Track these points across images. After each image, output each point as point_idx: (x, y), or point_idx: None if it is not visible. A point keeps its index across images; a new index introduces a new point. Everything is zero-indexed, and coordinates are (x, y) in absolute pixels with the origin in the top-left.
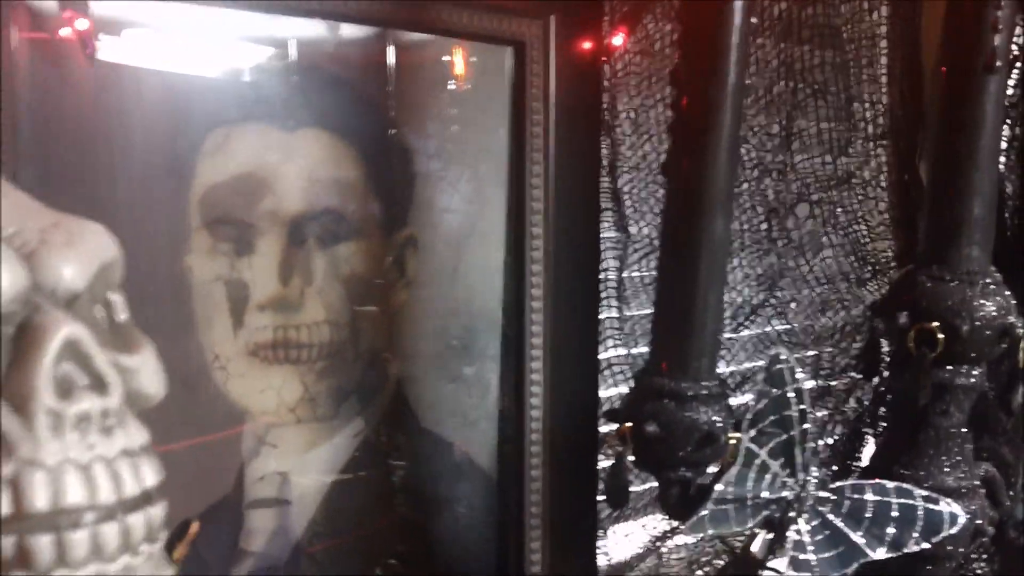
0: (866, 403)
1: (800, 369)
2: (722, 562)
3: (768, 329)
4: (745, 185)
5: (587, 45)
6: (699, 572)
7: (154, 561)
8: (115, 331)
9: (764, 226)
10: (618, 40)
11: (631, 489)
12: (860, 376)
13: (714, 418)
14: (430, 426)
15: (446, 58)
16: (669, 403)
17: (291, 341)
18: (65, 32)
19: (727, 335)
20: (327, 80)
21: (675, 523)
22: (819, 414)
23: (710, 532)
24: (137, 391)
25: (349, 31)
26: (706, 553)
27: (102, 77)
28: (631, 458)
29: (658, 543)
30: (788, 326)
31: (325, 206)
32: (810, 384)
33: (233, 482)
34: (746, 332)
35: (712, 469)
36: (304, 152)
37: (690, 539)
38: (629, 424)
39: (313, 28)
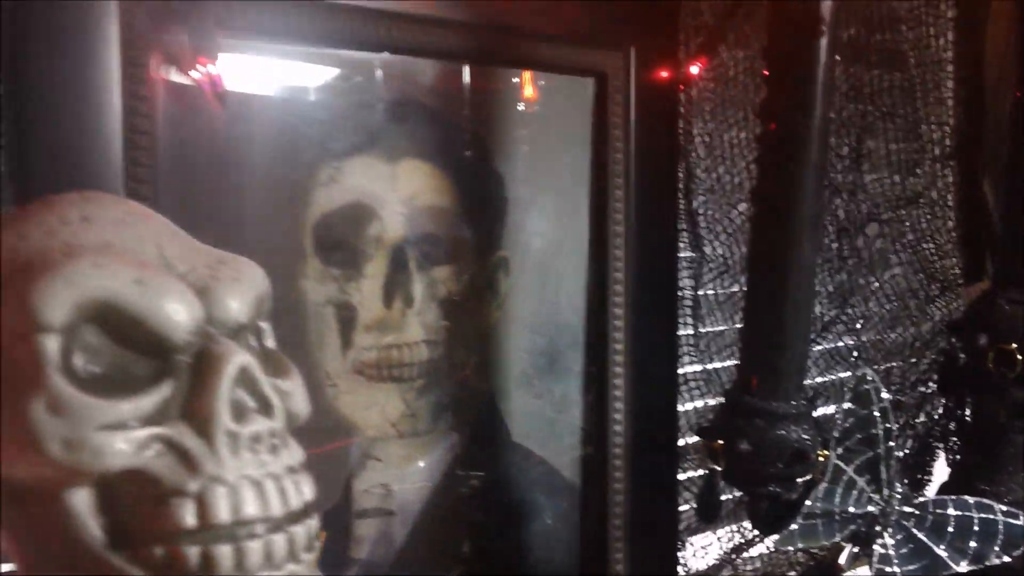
0: (936, 417)
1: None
2: (794, 574)
3: (839, 344)
4: None
5: (664, 74)
6: None
7: (312, 569)
8: (267, 357)
9: (835, 245)
10: (694, 69)
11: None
12: (931, 391)
13: (803, 436)
14: (519, 439)
15: (532, 89)
16: (760, 422)
17: (393, 360)
18: (196, 74)
19: None
20: (426, 113)
21: (749, 535)
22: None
23: (799, 545)
24: (291, 412)
25: (445, 66)
26: (780, 565)
27: (228, 114)
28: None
29: (733, 555)
30: (859, 341)
31: (425, 231)
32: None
33: (341, 493)
34: (818, 348)
35: (800, 484)
36: (406, 181)
37: (764, 551)
38: (721, 441)
39: (413, 63)
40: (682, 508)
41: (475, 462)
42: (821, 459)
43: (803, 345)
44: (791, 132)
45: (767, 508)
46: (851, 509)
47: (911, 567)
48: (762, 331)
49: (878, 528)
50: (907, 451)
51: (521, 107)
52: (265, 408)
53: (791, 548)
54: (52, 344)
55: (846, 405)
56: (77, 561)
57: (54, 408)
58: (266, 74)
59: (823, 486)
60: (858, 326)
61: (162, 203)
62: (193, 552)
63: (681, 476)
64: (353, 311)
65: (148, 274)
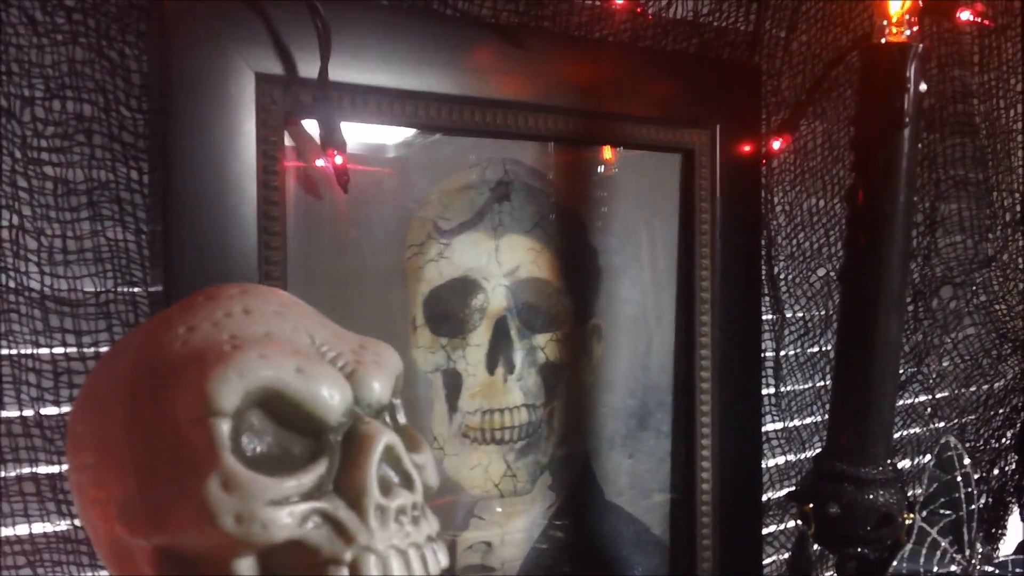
0: (1009, 472)
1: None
2: None
3: (915, 401)
4: None
5: (747, 149)
6: None
7: None
8: (401, 432)
9: (911, 307)
10: (776, 144)
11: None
12: (1004, 447)
13: (890, 500)
14: (612, 497)
15: (626, 165)
16: (849, 486)
17: (496, 424)
18: (322, 162)
19: None
20: (526, 191)
21: None
22: None
23: None
24: (426, 485)
25: (542, 147)
26: None
27: (350, 198)
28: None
29: None
30: (934, 399)
31: (525, 301)
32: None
33: (447, 551)
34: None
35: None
36: (508, 255)
37: None
38: (811, 505)
39: (514, 146)
40: (766, 562)
41: (571, 521)
42: (907, 522)
43: (889, 413)
44: (877, 217)
45: (855, 568)
46: (935, 569)
47: None
48: (850, 400)
49: None
50: (981, 506)
51: (612, 183)
52: (407, 482)
53: None
54: (224, 427)
55: (931, 469)
56: None
57: (227, 486)
58: (384, 158)
59: (908, 547)
60: (932, 384)
61: (291, 283)
62: None
63: (764, 531)
64: (459, 378)
65: (306, 363)
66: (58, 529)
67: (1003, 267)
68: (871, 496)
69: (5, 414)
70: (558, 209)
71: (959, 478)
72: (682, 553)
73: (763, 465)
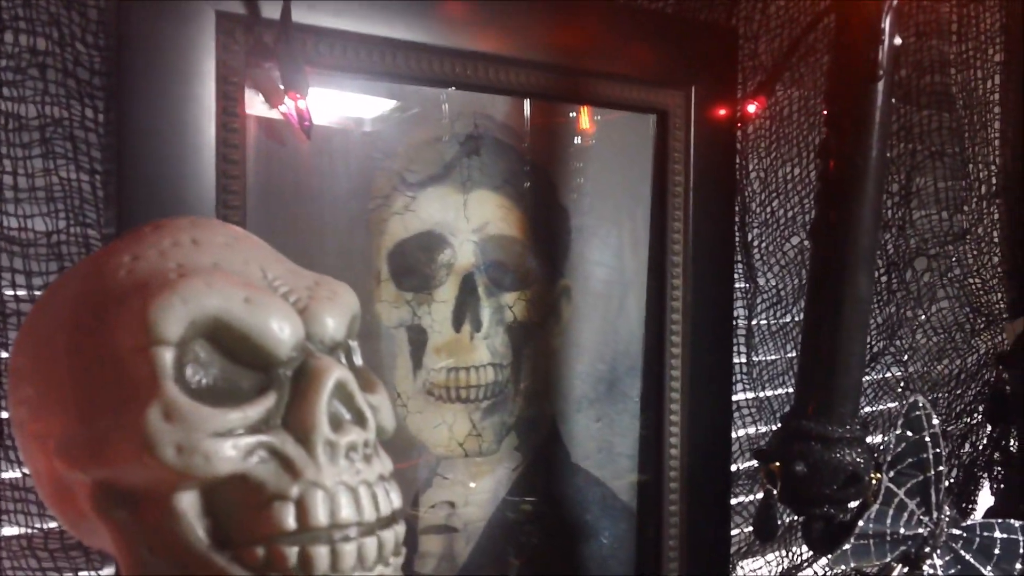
0: (981, 448)
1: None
2: None
3: (888, 375)
4: None
5: (723, 112)
6: None
7: (397, 572)
8: (357, 373)
9: (884, 278)
10: (751, 108)
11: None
12: (976, 422)
13: (857, 459)
14: (579, 461)
15: (598, 125)
16: (816, 445)
17: (461, 382)
18: (285, 108)
19: None
20: (496, 147)
21: (798, 560)
22: None
23: (852, 565)
24: (380, 425)
25: (514, 102)
26: None
27: (313, 146)
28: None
29: None
30: (906, 372)
31: (494, 259)
32: None
33: (409, 509)
34: (866, 378)
35: (853, 506)
36: (476, 211)
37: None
38: (778, 464)
39: (485, 100)
40: (733, 532)
41: (536, 482)
42: (874, 482)
43: (858, 372)
44: (849, 171)
45: (821, 529)
46: (902, 531)
47: None
48: (818, 358)
49: (927, 549)
50: (952, 480)
51: (585, 142)
52: (360, 420)
53: (843, 567)
54: (167, 356)
55: (898, 430)
56: (183, 561)
57: (168, 415)
58: (348, 108)
59: (875, 508)
60: (905, 358)
61: (250, 230)
62: (292, 552)
63: (733, 501)
64: (424, 334)
65: (255, 294)
66: (8, 476)
67: (978, 240)
68: (838, 455)
69: None
70: (529, 167)
71: (927, 438)
72: (649, 520)
73: (733, 435)
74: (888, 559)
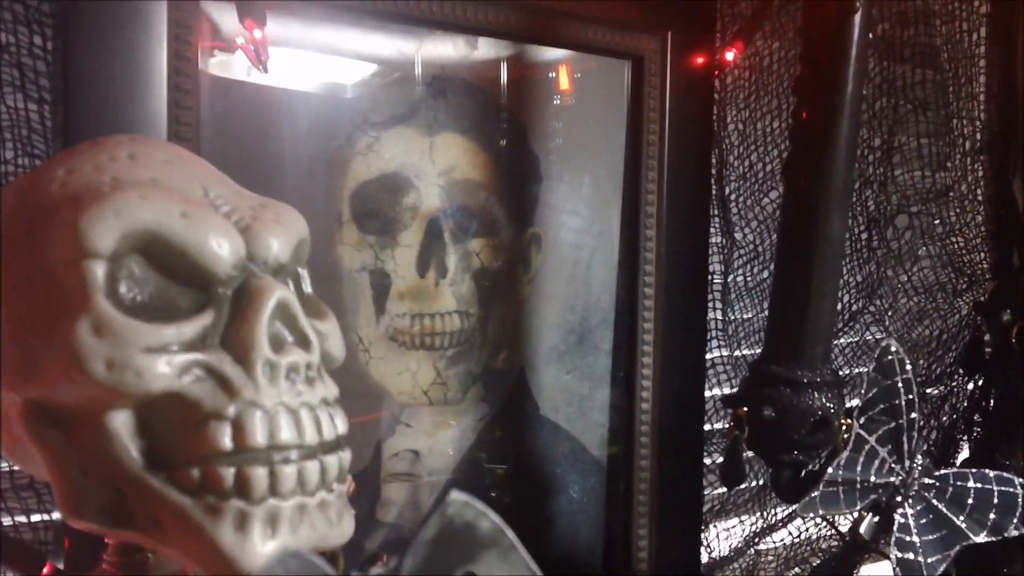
0: (961, 410)
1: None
2: (818, 560)
3: (868, 337)
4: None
5: (700, 60)
6: (795, 570)
7: (342, 499)
8: (305, 300)
9: (864, 236)
10: (729, 56)
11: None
12: (956, 385)
13: (827, 404)
14: (548, 413)
15: (571, 70)
16: (785, 389)
17: (426, 328)
18: (241, 41)
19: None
20: (464, 89)
21: (773, 520)
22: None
23: (820, 512)
24: (327, 352)
25: (484, 44)
26: (802, 551)
27: (271, 82)
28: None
29: (756, 538)
30: (886, 333)
31: (459, 204)
32: None
33: (371, 457)
34: (844, 339)
35: (823, 453)
36: (442, 154)
37: (787, 536)
38: (746, 408)
39: (454, 42)
40: (708, 492)
41: (504, 434)
42: (844, 428)
43: (829, 316)
44: (823, 109)
45: (790, 477)
46: (872, 479)
47: (930, 537)
48: (789, 301)
49: (899, 498)
50: (931, 444)
51: (558, 88)
52: (303, 342)
53: (812, 516)
54: (98, 270)
55: (870, 375)
56: (116, 483)
57: (98, 330)
58: (309, 45)
59: (845, 455)
60: (885, 318)
61: None
62: (228, 474)
63: (707, 460)
64: (387, 278)
65: (193, 209)
66: None
67: (961, 198)
68: (807, 400)
69: None
70: (499, 111)
71: (900, 384)
72: (619, 475)
73: (708, 393)
74: (858, 507)
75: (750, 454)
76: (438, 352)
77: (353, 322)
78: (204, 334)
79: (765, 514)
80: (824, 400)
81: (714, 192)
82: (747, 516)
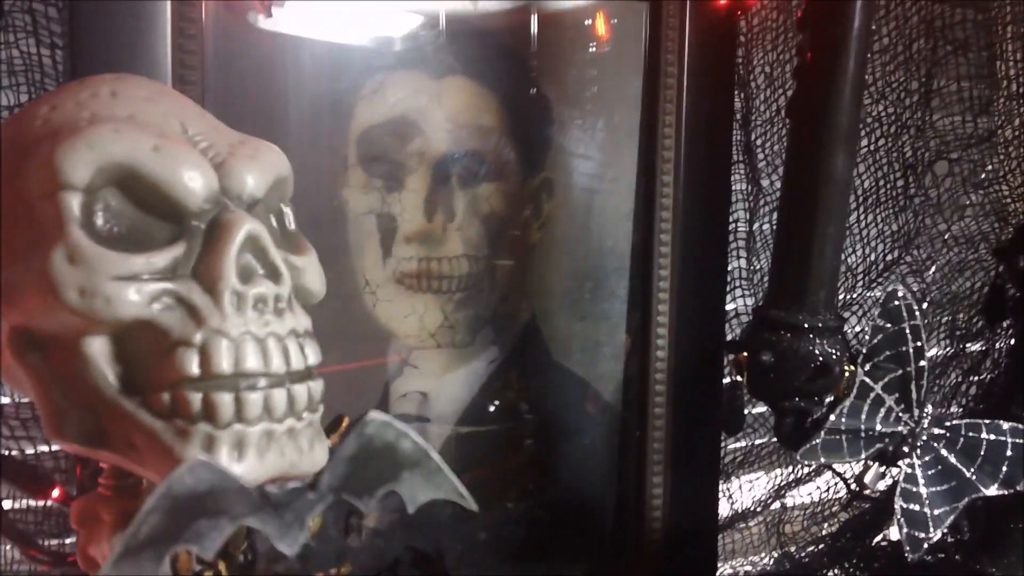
0: (1003, 365)
1: (935, 331)
2: (847, 515)
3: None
4: (882, 141)
5: (722, 1)
6: (825, 526)
7: (314, 428)
8: (286, 236)
9: (900, 183)
10: None
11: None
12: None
13: (828, 350)
14: (560, 359)
15: (585, 12)
16: (785, 334)
17: (433, 272)
18: None
19: (859, 292)
20: (473, 32)
21: (800, 474)
22: (954, 376)
23: (822, 460)
24: (303, 286)
25: None
26: (830, 507)
27: (277, 26)
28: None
29: (782, 492)
30: (924, 285)
31: (467, 148)
32: (942, 347)
33: (379, 398)
34: (879, 291)
35: (827, 400)
36: (450, 98)
37: (815, 491)
38: (745, 353)
39: None
40: (734, 445)
41: (513, 378)
42: (847, 374)
43: (833, 259)
44: (828, 44)
45: (792, 423)
46: (878, 427)
47: (937, 488)
48: (791, 244)
49: (905, 448)
50: (971, 401)
51: (575, 31)
52: (273, 274)
53: (814, 463)
54: (73, 201)
55: (875, 321)
56: (93, 405)
57: (71, 258)
58: None
59: (849, 402)
60: (923, 269)
61: (208, 107)
62: (195, 399)
63: None
64: (394, 222)
65: (166, 143)
66: None
67: (1006, 144)
68: (807, 345)
69: None
70: (509, 54)
71: (907, 330)
72: (633, 423)
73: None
74: (862, 456)
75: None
76: (445, 295)
77: (360, 264)
78: (175, 264)
79: (792, 467)
80: (825, 346)
81: (740, 138)
82: (773, 469)
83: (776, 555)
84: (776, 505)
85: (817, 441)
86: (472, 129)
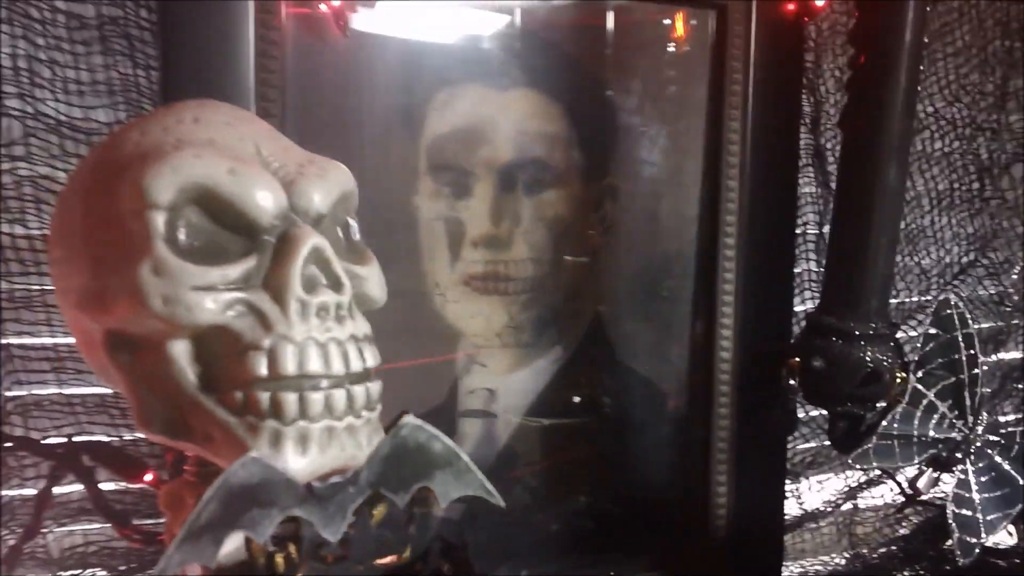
0: None
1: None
2: (918, 518)
3: (980, 292)
4: (956, 144)
5: (789, 7)
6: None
7: (372, 425)
8: (350, 247)
9: (976, 185)
10: (819, 2)
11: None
12: None
13: (879, 357)
14: (624, 359)
15: (657, 18)
16: (836, 341)
17: (499, 275)
18: (323, 6)
19: (933, 295)
20: (538, 44)
21: (871, 476)
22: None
23: (874, 465)
24: (365, 294)
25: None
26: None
27: (352, 43)
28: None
29: (854, 494)
30: (1002, 288)
31: (533, 156)
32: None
33: (448, 392)
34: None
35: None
36: (516, 108)
37: (887, 494)
38: (797, 359)
39: None
40: (803, 446)
41: (578, 377)
42: (899, 381)
43: (886, 268)
44: (880, 56)
45: (845, 428)
46: (931, 433)
47: (991, 494)
48: (844, 253)
49: (959, 455)
50: None
51: (640, 40)
52: (335, 285)
53: (866, 468)
54: (159, 219)
55: (927, 329)
56: (176, 401)
57: (157, 270)
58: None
59: (901, 408)
60: (1001, 272)
61: (289, 125)
62: (264, 397)
63: (800, 413)
64: (461, 227)
65: (241, 166)
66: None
67: None
68: (858, 352)
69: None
70: (574, 64)
71: (960, 339)
72: (697, 424)
73: None
74: (915, 461)
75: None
76: (511, 297)
77: (430, 268)
78: (247, 276)
79: (867, 471)
80: (876, 352)
81: (809, 141)
82: (844, 470)
83: (848, 556)
84: (848, 506)
85: (869, 446)
86: (537, 137)
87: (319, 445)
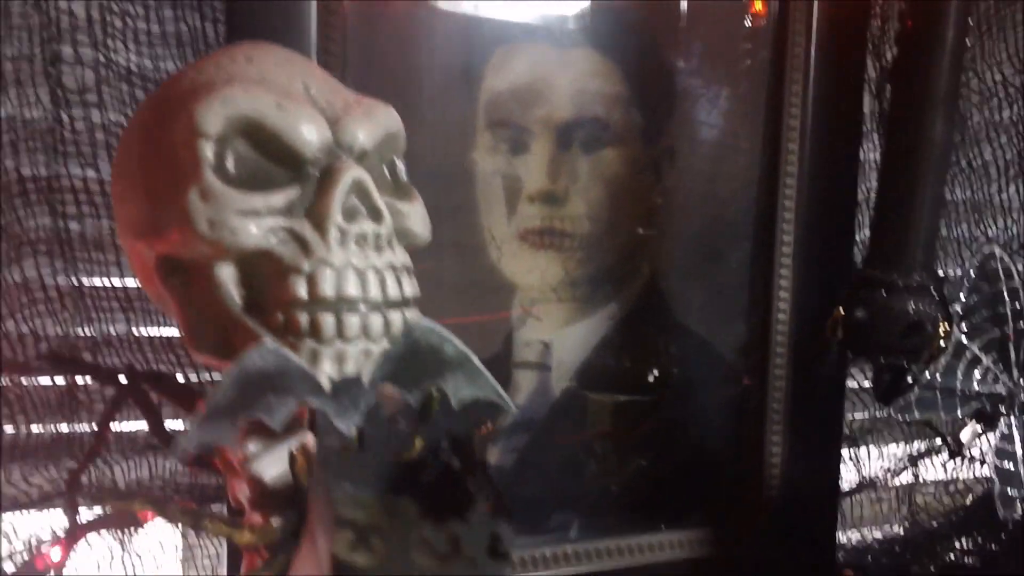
0: None
1: None
2: (982, 488)
3: None
4: None
5: None
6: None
7: None
8: (396, 185)
9: None
10: None
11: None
12: None
13: (923, 308)
14: (680, 318)
15: None
16: (880, 292)
17: (555, 230)
18: None
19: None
20: (599, 3)
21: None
22: None
23: (917, 416)
24: (407, 228)
25: None
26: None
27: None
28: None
29: (915, 462)
30: None
31: (591, 115)
32: None
33: (503, 344)
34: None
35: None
36: (574, 67)
37: (950, 463)
38: (841, 309)
39: None
40: (861, 415)
41: (635, 334)
42: (942, 333)
43: (931, 220)
44: (927, 9)
45: (889, 379)
46: (975, 387)
47: None
48: (889, 206)
49: (1003, 408)
50: None
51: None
52: (375, 215)
53: (908, 418)
54: (208, 148)
55: (971, 282)
56: (223, 322)
57: (204, 196)
58: None
59: (944, 360)
60: None
61: (349, 80)
62: (303, 318)
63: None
64: (518, 182)
65: (288, 101)
66: None
67: None
68: (901, 303)
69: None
70: (634, 24)
71: (1005, 292)
72: (753, 386)
73: None
74: (958, 413)
75: None
76: (566, 253)
77: (487, 222)
78: (291, 205)
79: (926, 438)
80: (919, 304)
81: (874, 108)
82: (905, 439)
83: (907, 524)
84: (908, 475)
85: (912, 397)
86: (596, 96)
87: (355, 365)
